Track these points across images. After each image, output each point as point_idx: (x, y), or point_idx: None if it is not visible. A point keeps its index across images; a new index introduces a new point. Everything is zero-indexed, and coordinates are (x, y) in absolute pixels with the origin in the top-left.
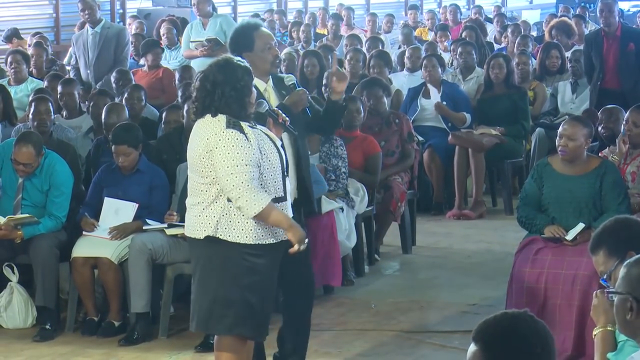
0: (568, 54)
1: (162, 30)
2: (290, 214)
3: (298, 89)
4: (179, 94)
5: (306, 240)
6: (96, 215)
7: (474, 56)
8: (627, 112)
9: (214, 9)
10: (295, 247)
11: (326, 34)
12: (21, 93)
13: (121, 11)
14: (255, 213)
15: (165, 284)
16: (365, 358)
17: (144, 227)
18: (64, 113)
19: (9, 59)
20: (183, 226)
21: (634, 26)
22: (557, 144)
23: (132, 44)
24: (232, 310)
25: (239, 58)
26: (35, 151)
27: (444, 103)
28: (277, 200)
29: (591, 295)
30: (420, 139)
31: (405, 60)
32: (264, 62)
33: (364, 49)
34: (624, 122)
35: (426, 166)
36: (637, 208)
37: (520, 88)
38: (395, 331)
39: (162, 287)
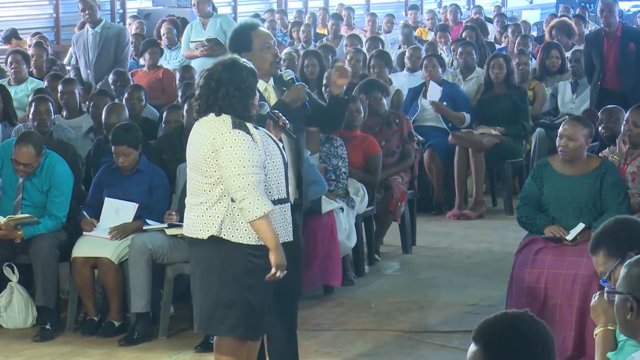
0: (568, 54)
1: (163, 30)
2: (291, 216)
3: (297, 83)
4: (179, 94)
5: (285, 271)
6: (96, 215)
7: (474, 56)
8: (627, 112)
9: (214, 9)
10: (273, 270)
11: (326, 34)
12: (21, 93)
13: (121, 11)
14: (256, 217)
15: (165, 284)
16: (365, 358)
17: (144, 227)
18: (64, 113)
19: (9, 59)
20: (183, 226)
21: (634, 26)
22: (557, 144)
23: (132, 44)
24: (233, 311)
25: (245, 60)
26: (36, 151)
27: (444, 103)
28: (280, 201)
29: (591, 295)
30: (421, 139)
31: (406, 60)
32: (264, 62)
33: (364, 49)
34: (624, 122)
35: (426, 166)
36: (637, 208)
37: (520, 88)
38: (396, 331)
39: (162, 287)
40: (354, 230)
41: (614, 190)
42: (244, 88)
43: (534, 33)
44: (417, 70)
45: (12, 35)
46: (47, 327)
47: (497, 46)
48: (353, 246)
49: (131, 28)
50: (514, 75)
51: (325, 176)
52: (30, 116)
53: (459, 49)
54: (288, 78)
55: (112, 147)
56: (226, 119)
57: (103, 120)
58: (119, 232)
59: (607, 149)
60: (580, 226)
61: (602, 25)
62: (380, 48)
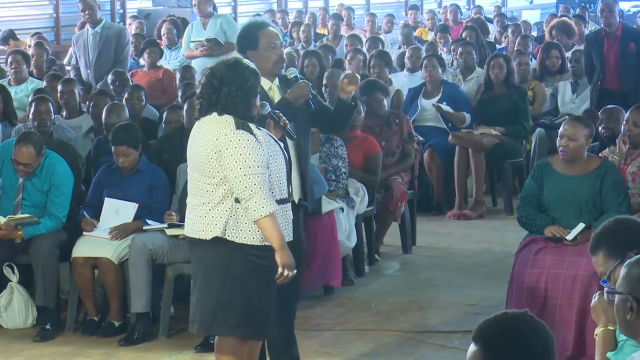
0: (568, 54)
1: (163, 31)
2: (292, 216)
3: (300, 81)
4: (179, 94)
5: (294, 270)
6: (96, 215)
7: (474, 56)
8: (627, 112)
9: (215, 8)
10: (280, 270)
11: (326, 34)
12: (21, 93)
13: (121, 11)
14: (261, 216)
15: (165, 284)
16: (365, 358)
17: (144, 228)
18: (64, 113)
19: (9, 59)
20: (183, 226)
21: (634, 26)
22: (557, 144)
23: (132, 44)
24: (235, 311)
25: (247, 59)
26: (36, 151)
27: (444, 103)
28: (282, 201)
29: (591, 296)
30: (421, 139)
31: (406, 60)
32: (267, 62)
33: (364, 49)
34: (624, 122)
35: (426, 166)
36: (637, 208)
37: (520, 88)
38: (396, 331)
39: (162, 287)
40: (354, 230)
41: (614, 191)
42: (246, 88)
43: (534, 33)
44: (417, 71)
45: (10, 36)
46: (47, 327)
47: (497, 46)
48: (353, 246)
49: (131, 28)
50: (514, 75)
51: (325, 176)
52: (30, 116)
53: (459, 49)
54: (292, 76)
55: (112, 147)
56: (229, 119)
57: (103, 120)
58: (119, 232)
59: (607, 149)
60: (581, 226)
61: (602, 25)
62: (380, 48)
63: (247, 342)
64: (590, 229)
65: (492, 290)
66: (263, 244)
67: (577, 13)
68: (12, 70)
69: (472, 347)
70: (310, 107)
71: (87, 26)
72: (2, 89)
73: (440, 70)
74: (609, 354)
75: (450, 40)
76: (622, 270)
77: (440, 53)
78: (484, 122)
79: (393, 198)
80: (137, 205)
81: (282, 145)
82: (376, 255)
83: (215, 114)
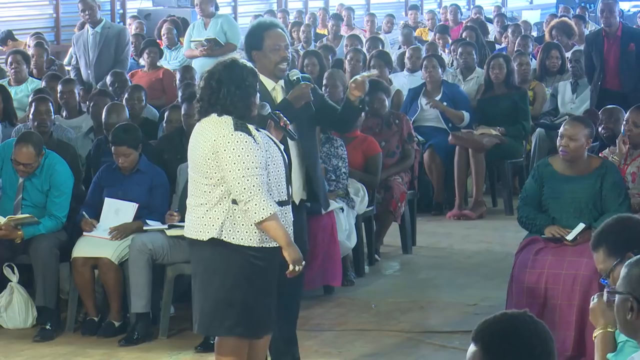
0: (568, 54)
1: (163, 31)
2: (292, 218)
3: (301, 82)
4: (179, 94)
5: (303, 263)
6: (96, 215)
7: (474, 56)
8: (627, 112)
9: (217, 8)
10: (291, 267)
11: (326, 34)
12: (21, 93)
13: (121, 11)
14: (261, 218)
15: (165, 284)
16: (365, 358)
17: (144, 229)
18: (64, 113)
19: (9, 59)
20: (183, 227)
21: (634, 26)
22: (558, 144)
23: (132, 44)
24: (234, 311)
25: (244, 59)
26: (36, 151)
27: (444, 103)
28: (281, 203)
29: (591, 296)
30: (421, 139)
31: (406, 60)
32: (271, 63)
33: (364, 49)
34: (624, 123)
35: (426, 166)
36: (637, 208)
37: (521, 88)
38: (396, 331)
39: (162, 287)
40: (354, 231)
41: (614, 191)
42: (244, 87)
43: (534, 33)
44: (417, 71)
45: (8, 37)
46: (47, 327)
47: (497, 46)
48: (353, 246)
49: (131, 28)
50: (514, 75)
51: (325, 176)
52: (30, 116)
53: (459, 49)
54: (294, 77)
55: (112, 148)
56: (227, 120)
57: (103, 120)
58: (119, 232)
59: (607, 149)
60: (581, 226)
61: (602, 25)
62: (380, 48)
63: (247, 342)
64: (590, 229)
65: (492, 290)
66: (260, 246)
67: (577, 13)
68: (12, 71)
69: (472, 347)
70: (310, 108)
71: (87, 26)
72: (2, 89)
73: (440, 70)
74: (609, 355)
75: (450, 41)
76: (622, 271)
77: (440, 53)
78: (484, 122)
79: (393, 198)
80: (137, 205)
81: (281, 147)
82: (376, 255)
83: (214, 115)
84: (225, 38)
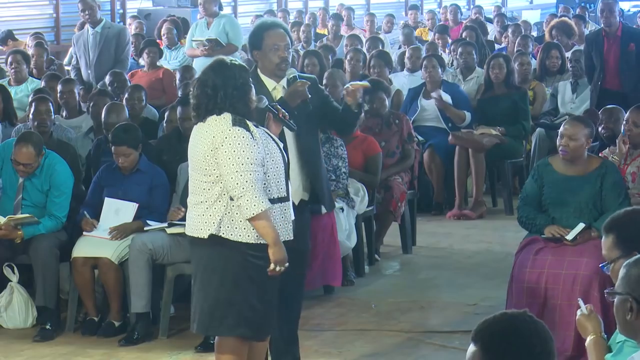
0: (568, 54)
1: (163, 31)
2: (292, 215)
3: (297, 80)
4: (179, 94)
5: (286, 264)
6: (96, 215)
7: (475, 56)
8: (627, 112)
9: (221, 8)
10: (272, 266)
11: (326, 34)
12: (21, 93)
13: (121, 11)
14: (253, 214)
15: (165, 284)
16: (365, 358)
17: (145, 228)
18: (64, 113)
19: (9, 59)
20: (184, 225)
21: (634, 26)
22: (557, 143)
23: (132, 44)
24: (233, 311)
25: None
26: (36, 151)
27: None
28: (280, 200)
29: (591, 296)
30: (421, 139)
31: (406, 60)
32: (270, 63)
33: (364, 49)
34: (624, 122)
35: (426, 166)
36: None
37: (521, 88)
38: (396, 331)
39: (162, 287)
40: (354, 231)
41: (614, 191)
42: (240, 85)
43: (534, 33)
44: (417, 71)
45: (8, 36)
46: (47, 327)
47: (497, 46)
48: (353, 246)
49: (131, 28)
50: (514, 75)
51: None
52: (30, 116)
53: (459, 49)
54: (291, 76)
55: (112, 148)
56: (226, 116)
57: (102, 120)
58: (119, 232)
59: (607, 149)
60: (580, 226)
61: (602, 25)
62: (380, 48)
63: (247, 342)
64: (590, 229)
65: (492, 290)
66: (259, 242)
67: (577, 13)
68: (12, 70)
69: (472, 347)
70: (307, 106)
71: (87, 26)
72: (2, 89)
73: (440, 70)
74: (607, 356)
75: (450, 41)
76: (621, 271)
77: (440, 53)
78: (484, 122)
79: (393, 198)
80: (137, 205)
81: (281, 144)
82: (376, 255)
83: (213, 115)
84: (227, 39)
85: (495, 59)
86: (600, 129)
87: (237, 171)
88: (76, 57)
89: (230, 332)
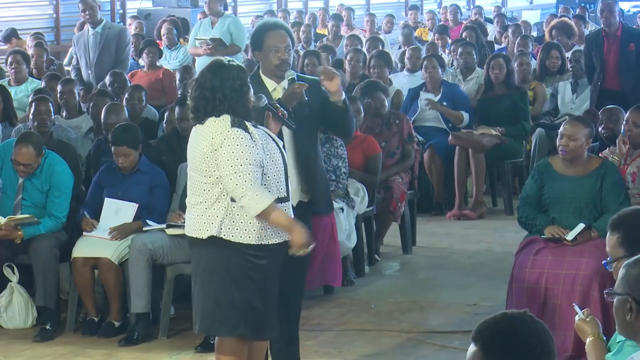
0: (568, 54)
1: (163, 31)
2: (292, 215)
3: (295, 82)
4: (179, 94)
5: (312, 245)
6: (96, 215)
7: (474, 56)
8: (627, 112)
9: (226, 8)
10: (294, 249)
11: (326, 34)
12: (21, 93)
13: (121, 11)
14: (258, 211)
15: (165, 284)
16: (365, 358)
17: (144, 229)
18: (64, 113)
19: (9, 59)
20: (183, 226)
21: (634, 26)
22: (557, 143)
23: (132, 44)
24: (235, 311)
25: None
26: (36, 151)
27: (444, 104)
28: (280, 200)
29: (591, 296)
30: (421, 139)
31: (406, 60)
32: (269, 64)
33: (364, 49)
34: (624, 123)
35: (426, 166)
36: None
37: (521, 88)
38: (396, 331)
39: (162, 287)
40: (354, 231)
41: (614, 191)
42: (238, 87)
43: (534, 33)
44: (417, 71)
45: (12, 35)
46: (47, 327)
47: (497, 46)
48: (353, 246)
49: (131, 28)
50: (514, 75)
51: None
52: (30, 116)
53: (459, 50)
54: (289, 78)
55: (112, 148)
56: (225, 118)
57: (102, 120)
58: (119, 232)
59: (607, 149)
60: (580, 226)
61: (602, 25)
62: (380, 48)
63: (247, 342)
64: (590, 229)
65: (492, 290)
66: (260, 243)
67: (577, 13)
68: (12, 71)
69: (472, 347)
70: (305, 108)
71: (88, 26)
72: (2, 89)
73: (440, 70)
74: (607, 355)
75: (450, 41)
76: (621, 271)
77: (440, 53)
78: (484, 122)
79: (393, 198)
80: (137, 205)
81: (280, 143)
82: (376, 256)
83: (212, 117)
84: (231, 39)
85: (495, 59)
86: (600, 129)
87: (235, 172)
88: (76, 57)
89: (231, 333)
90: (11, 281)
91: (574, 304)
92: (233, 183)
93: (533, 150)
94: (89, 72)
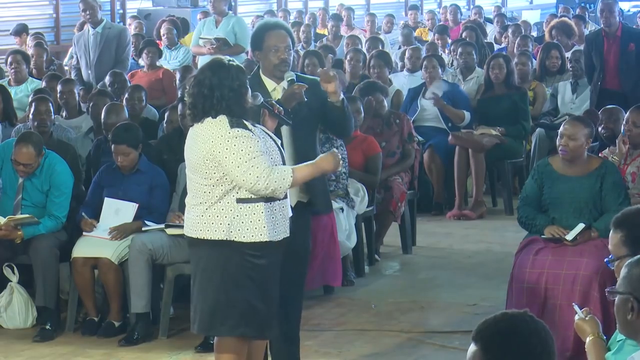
0: (568, 54)
1: (163, 31)
2: (290, 213)
3: (295, 83)
4: (179, 94)
5: (341, 162)
6: (96, 215)
7: (474, 56)
8: (627, 112)
9: (230, 8)
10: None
11: (326, 34)
12: (21, 93)
13: (121, 11)
14: (289, 185)
15: (165, 284)
16: (365, 358)
17: (143, 229)
18: (64, 113)
19: (9, 59)
20: (183, 226)
21: (634, 26)
22: (557, 143)
23: (132, 44)
24: (235, 311)
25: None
26: (36, 151)
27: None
28: (279, 199)
29: (591, 296)
30: (421, 139)
31: (406, 60)
32: (269, 64)
33: (364, 49)
34: (624, 123)
35: (426, 166)
36: None
37: (521, 88)
38: (395, 331)
39: (162, 287)
40: (354, 231)
41: (614, 191)
42: (236, 87)
43: (534, 33)
44: (417, 71)
45: (23, 30)
46: (47, 327)
47: (497, 46)
48: (353, 246)
49: (131, 28)
50: (514, 75)
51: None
52: (30, 116)
53: (459, 50)
54: (288, 79)
55: (112, 146)
56: (223, 119)
57: (102, 121)
58: (119, 232)
59: (607, 149)
60: (580, 226)
61: (602, 25)
62: (380, 48)
63: (247, 341)
64: (590, 229)
65: (492, 290)
66: (259, 241)
67: (577, 13)
68: (12, 70)
69: (472, 347)
70: (304, 109)
71: (88, 26)
72: (2, 89)
73: (440, 70)
74: (608, 354)
75: (450, 41)
76: (622, 270)
77: (440, 53)
78: (484, 122)
79: (393, 198)
80: (137, 205)
81: (278, 142)
82: (376, 255)
83: (209, 118)
84: (235, 39)
85: (495, 59)
86: (600, 129)
87: (249, 168)
88: (76, 57)
89: (231, 332)
90: (11, 281)
91: (573, 304)
92: (249, 181)
93: (533, 150)
94: (89, 72)
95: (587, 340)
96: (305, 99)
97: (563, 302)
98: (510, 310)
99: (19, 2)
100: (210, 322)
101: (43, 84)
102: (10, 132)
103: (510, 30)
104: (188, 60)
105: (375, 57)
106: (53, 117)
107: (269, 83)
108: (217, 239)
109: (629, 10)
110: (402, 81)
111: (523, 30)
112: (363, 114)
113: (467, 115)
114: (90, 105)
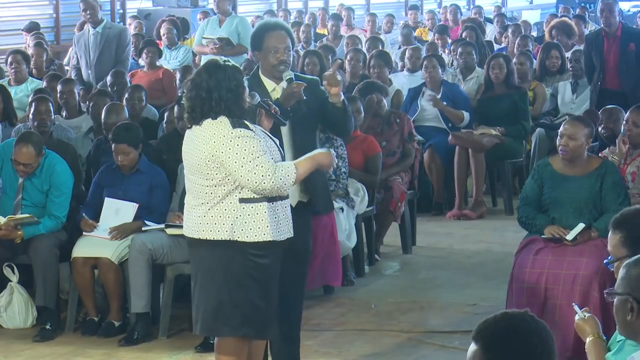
0: (568, 54)
1: (163, 31)
2: (290, 213)
3: (293, 82)
4: (179, 94)
5: (335, 161)
6: (96, 215)
7: (474, 56)
8: (627, 112)
9: (234, 8)
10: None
11: (326, 34)
12: (21, 93)
13: (121, 11)
14: (293, 181)
15: (165, 284)
16: (365, 358)
17: (143, 229)
18: (64, 113)
19: (9, 59)
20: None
21: (634, 26)
22: (557, 143)
23: (132, 44)
24: (238, 311)
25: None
26: (36, 151)
27: (444, 103)
28: (280, 197)
29: (591, 296)
30: (421, 139)
31: (406, 60)
32: (268, 64)
33: (364, 49)
34: (624, 122)
35: (426, 166)
36: None
37: (521, 88)
38: (395, 331)
39: (162, 287)
40: (354, 231)
41: (614, 191)
42: (234, 87)
43: (534, 33)
44: (417, 71)
45: (34, 28)
46: (47, 327)
47: (497, 46)
48: (353, 246)
49: (131, 28)
50: (514, 75)
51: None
52: (30, 116)
53: (459, 49)
54: (287, 78)
55: (112, 146)
56: (223, 120)
57: (102, 120)
58: (119, 232)
59: (607, 149)
60: (580, 226)
61: (602, 25)
62: (380, 48)
63: (247, 341)
64: (590, 229)
65: (492, 290)
66: (263, 240)
67: (577, 13)
68: (12, 70)
69: (472, 347)
70: (303, 108)
71: (88, 26)
72: (2, 89)
73: (440, 70)
74: (608, 355)
75: (450, 41)
76: (621, 271)
77: (440, 53)
78: (484, 122)
79: (393, 198)
80: (137, 205)
81: (277, 142)
82: (376, 255)
83: (209, 119)
84: (238, 39)
85: (495, 59)
86: (600, 129)
87: (253, 167)
88: (77, 57)
89: (234, 333)
90: (11, 281)
91: (573, 304)
92: (257, 178)
93: (533, 150)
94: (89, 72)
95: (587, 340)
96: (304, 97)
97: (563, 302)
98: (511, 309)
99: (19, 2)
100: (213, 323)
101: (43, 83)
102: (10, 132)
103: (510, 30)
104: (188, 60)
105: (375, 57)
106: (53, 117)
107: (269, 83)
108: (219, 239)
109: (629, 10)
110: (402, 81)
111: (523, 30)
112: (363, 114)
113: (466, 115)
114: (91, 105)
